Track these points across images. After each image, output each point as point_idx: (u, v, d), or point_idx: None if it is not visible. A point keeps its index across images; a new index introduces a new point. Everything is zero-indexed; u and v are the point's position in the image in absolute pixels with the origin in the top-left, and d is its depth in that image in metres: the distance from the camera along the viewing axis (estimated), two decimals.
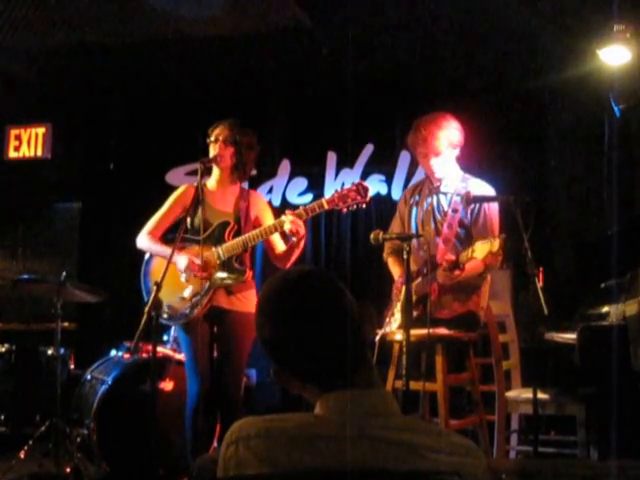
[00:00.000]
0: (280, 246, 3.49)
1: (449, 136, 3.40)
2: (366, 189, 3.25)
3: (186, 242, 3.39)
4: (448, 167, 3.47)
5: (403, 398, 2.97)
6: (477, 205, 3.38)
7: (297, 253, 3.43)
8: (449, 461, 1.25)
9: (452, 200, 3.43)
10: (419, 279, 3.37)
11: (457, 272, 3.19)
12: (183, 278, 3.38)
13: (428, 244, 3.34)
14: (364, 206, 3.28)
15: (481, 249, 2.97)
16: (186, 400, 3.39)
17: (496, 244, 2.93)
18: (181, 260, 3.33)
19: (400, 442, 1.24)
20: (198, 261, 3.30)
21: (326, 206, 3.26)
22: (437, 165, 3.44)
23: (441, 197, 3.49)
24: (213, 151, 3.46)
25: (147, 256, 3.54)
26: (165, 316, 3.38)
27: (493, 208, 3.42)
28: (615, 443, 2.95)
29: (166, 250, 3.27)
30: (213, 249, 3.36)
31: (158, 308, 2.99)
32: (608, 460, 3.12)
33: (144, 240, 3.49)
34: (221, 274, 3.36)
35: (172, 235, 3.43)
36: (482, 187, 3.45)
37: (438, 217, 3.48)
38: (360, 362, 1.33)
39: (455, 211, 3.39)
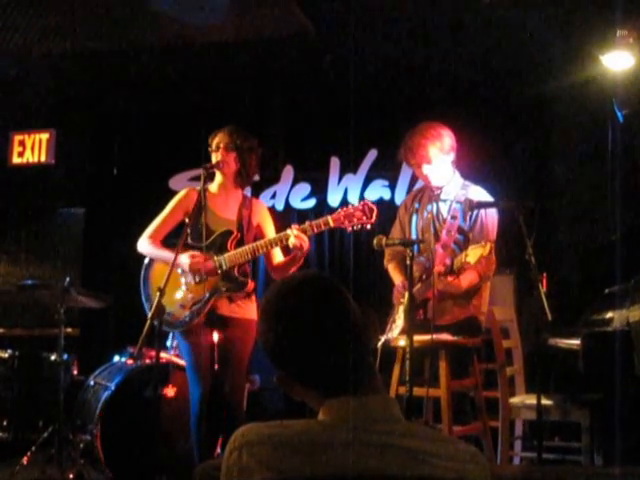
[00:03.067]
0: (278, 257, 3.49)
1: (437, 144, 3.43)
2: (372, 210, 3.27)
3: (187, 248, 3.39)
4: (444, 174, 3.49)
5: (406, 404, 2.96)
6: (475, 211, 3.40)
7: (296, 266, 3.44)
8: (452, 467, 1.25)
9: (452, 207, 3.44)
10: (419, 285, 3.38)
11: (450, 278, 3.21)
12: (184, 286, 3.38)
13: (430, 250, 3.36)
14: (369, 227, 3.30)
15: (473, 253, 3.03)
16: (189, 406, 3.39)
17: (487, 248, 2.98)
18: (184, 259, 3.33)
19: (403, 448, 1.24)
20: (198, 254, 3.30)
21: (332, 224, 3.28)
22: (431, 173, 3.47)
23: (441, 205, 3.51)
24: (215, 159, 3.46)
25: (146, 261, 3.54)
26: (165, 323, 3.38)
27: (490, 214, 3.45)
28: (620, 449, 2.94)
29: (167, 254, 3.26)
30: (215, 258, 3.36)
31: (161, 314, 2.99)
32: (613, 466, 3.11)
33: (145, 244, 3.49)
34: (223, 283, 3.36)
35: (173, 240, 3.42)
36: (481, 194, 3.47)
37: (437, 225, 3.49)
38: (363, 368, 1.33)
39: (454, 218, 3.41)
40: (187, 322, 3.35)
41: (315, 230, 3.27)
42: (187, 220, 3.35)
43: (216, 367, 3.40)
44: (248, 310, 3.37)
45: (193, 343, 3.36)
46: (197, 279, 3.35)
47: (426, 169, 3.46)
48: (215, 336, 3.44)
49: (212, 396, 3.35)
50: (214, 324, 3.40)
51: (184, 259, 3.33)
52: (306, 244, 3.25)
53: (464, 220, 3.43)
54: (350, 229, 3.30)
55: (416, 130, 3.48)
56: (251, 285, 3.41)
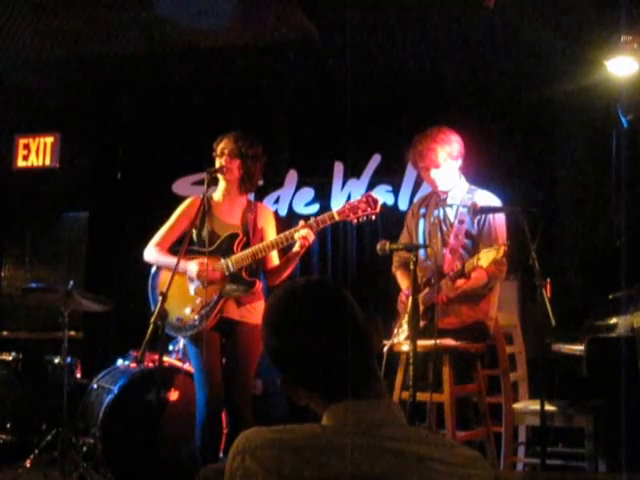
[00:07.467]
0: (275, 260, 3.49)
1: (446, 148, 3.43)
2: (376, 201, 3.27)
3: (193, 254, 3.39)
4: (451, 179, 3.49)
5: (410, 409, 2.95)
6: (483, 216, 3.40)
7: (290, 270, 3.44)
8: (456, 472, 1.25)
9: (458, 211, 3.44)
10: (426, 290, 3.37)
11: (461, 281, 3.20)
12: (192, 291, 3.38)
13: (435, 255, 3.35)
14: (374, 218, 3.29)
15: (486, 257, 3.01)
16: (192, 409, 3.39)
17: (501, 251, 2.97)
18: (191, 266, 3.33)
19: (407, 453, 1.24)
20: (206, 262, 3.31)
21: (337, 217, 3.27)
22: (439, 177, 3.47)
23: (447, 209, 3.51)
24: (219, 164, 3.46)
25: (154, 269, 3.53)
26: (174, 328, 3.38)
27: (499, 218, 3.44)
28: (623, 456, 2.93)
29: (174, 261, 3.27)
30: (222, 261, 3.36)
31: (164, 318, 2.99)
32: (616, 473, 3.10)
33: (151, 252, 3.49)
34: (230, 286, 3.36)
35: (179, 248, 3.42)
36: (488, 198, 3.47)
37: (445, 229, 3.49)
38: (367, 373, 1.33)
39: (461, 222, 3.41)
40: (196, 326, 3.35)
41: (320, 225, 3.27)
42: (193, 227, 3.35)
43: (224, 372, 3.40)
44: (258, 314, 3.35)
45: (201, 348, 3.35)
46: (205, 284, 3.36)
47: (434, 173, 3.46)
48: (224, 341, 3.44)
49: (220, 400, 3.34)
50: (223, 329, 3.40)
51: (192, 266, 3.33)
52: (311, 238, 3.26)
53: (472, 224, 3.43)
54: (355, 221, 3.30)
55: (426, 134, 3.47)
56: (259, 285, 3.41)
